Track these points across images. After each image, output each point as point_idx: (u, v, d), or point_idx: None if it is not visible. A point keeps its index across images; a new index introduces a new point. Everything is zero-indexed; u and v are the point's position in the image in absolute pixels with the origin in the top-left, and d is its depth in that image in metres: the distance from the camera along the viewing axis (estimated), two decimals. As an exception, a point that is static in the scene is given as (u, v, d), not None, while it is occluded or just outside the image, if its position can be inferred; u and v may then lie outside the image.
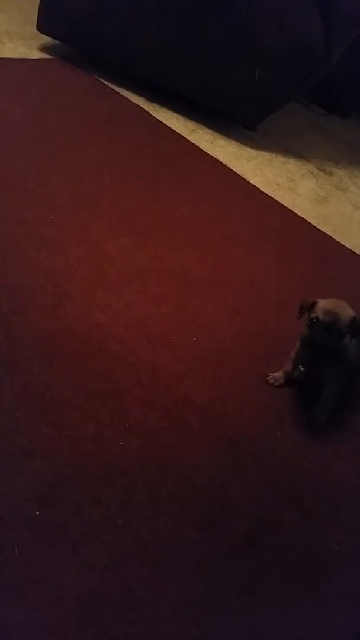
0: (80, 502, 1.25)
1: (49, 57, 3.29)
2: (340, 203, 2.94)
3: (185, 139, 2.97)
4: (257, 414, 1.62)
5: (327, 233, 2.62)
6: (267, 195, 2.75)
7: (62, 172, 2.33)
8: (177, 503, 1.32)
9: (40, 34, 3.28)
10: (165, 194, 2.46)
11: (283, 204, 2.72)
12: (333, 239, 2.59)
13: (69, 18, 3.16)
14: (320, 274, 2.34)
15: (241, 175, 2.84)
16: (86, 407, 1.45)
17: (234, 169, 2.87)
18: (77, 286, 1.81)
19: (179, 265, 2.06)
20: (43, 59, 3.25)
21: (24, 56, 3.17)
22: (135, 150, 2.71)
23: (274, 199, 2.73)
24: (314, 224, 2.65)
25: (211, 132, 3.15)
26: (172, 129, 3.01)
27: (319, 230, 2.62)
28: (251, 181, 2.82)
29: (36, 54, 3.25)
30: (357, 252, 2.56)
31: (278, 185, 2.88)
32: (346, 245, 2.58)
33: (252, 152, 3.12)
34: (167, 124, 3.04)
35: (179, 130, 3.02)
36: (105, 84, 3.21)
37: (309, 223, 2.65)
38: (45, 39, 3.33)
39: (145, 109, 3.10)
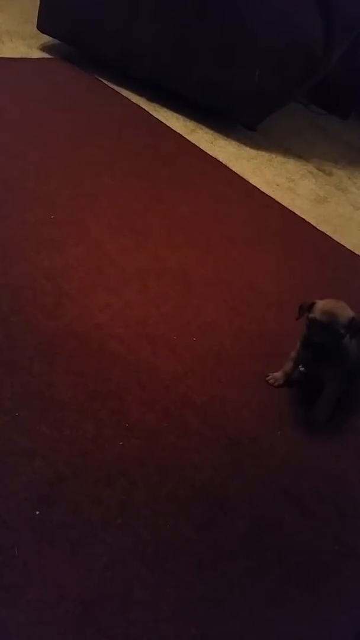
0: (80, 502, 1.25)
1: (49, 56, 3.29)
2: (339, 203, 2.94)
3: (185, 138, 2.97)
4: (256, 414, 1.62)
5: (327, 233, 2.62)
6: (266, 195, 2.75)
7: (62, 172, 2.33)
8: (176, 503, 1.32)
9: (41, 33, 3.28)
10: (165, 194, 2.46)
11: (283, 204, 2.72)
12: (333, 239, 2.59)
13: (69, 17, 3.17)
14: (320, 274, 2.34)
15: (241, 175, 2.84)
16: (86, 407, 1.45)
17: (233, 169, 2.87)
18: (77, 286, 1.81)
19: (179, 265, 2.06)
20: (43, 58, 3.25)
21: (24, 56, 3.17)
22: (135, 150, 2.71)
23: (273, 199, 2.73)
24: (314, 224, 2.65)
25: (211, 132, 3.15)
26: (172, 129, 3.01)
27: (319, 230, 2.62)
28: (251, 181, 2.82)
29: (36, 54, 3.25)
30: (356, 252, 2.56)
31: (278, 185, 2.88)
32: (346, 245, 2.58)
33: (252, 152, 3.12)
34: (167, 124, 3.04)
35: (179, 130, 3.02)
36: (105, 84, 3.21)
37: (309, 223, 2.65)
38: (46, 39, 3.34)
39: (146, 108, 3.10)
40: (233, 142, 3.14)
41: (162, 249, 2.12)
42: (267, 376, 1.72)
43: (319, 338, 1.52)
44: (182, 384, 1.62)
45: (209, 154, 2.92)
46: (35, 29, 3.27)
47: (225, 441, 1.51)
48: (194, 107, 3.21)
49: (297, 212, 2.70)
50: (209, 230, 2.33)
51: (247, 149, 3.13)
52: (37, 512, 1.21)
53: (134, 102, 3.13)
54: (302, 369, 1.74)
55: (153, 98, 3.21)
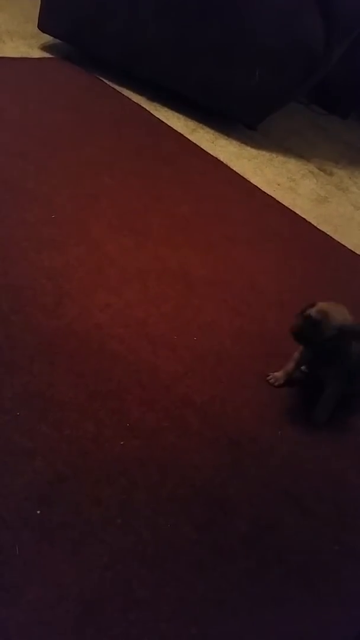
0: (80, 502, 1.25)
1: (50, 56, 3.29)
2: (340, 203, 2.94)
3: (186, 138, 2.97)
4: (257, 414, 1.62)
5: (328, 233, 2.62)
6: (267, 195, 2.75)
7: (62, 171, 2.33)
8: (176, 503, 1.32)
9: (41, 33, 3.28)
10: (165, 194, 2.46)
11: (283, 203, 2.72)
12: (333, 239, 2.59)
13: (70, 17, 3.17)
14: (321, 274, 2.34)
15: (242, 174, 2.84)
16: (86, 407, 1.45)
17: (234, 169, 2.87)
18: (77, 286, 1.81)
19: (179, 265, 2.06)
20: (44, 58, 3.25)
21: (24, 55, 3.17)
22: (135, 150, 2.70)
23: (274, 199, 2.73)
24: (315, 224, 2.65)
25: (212, 131, 3.15)
26: (173, 129, 3.01)
27: (320, 230, 2.62)
28: (252, 181, 2.82)
29: (37, 53, 3.25)
30: (357, 252, 2.56)
31: (279, 185, 2.88)
32: (346, 245, 2.58)
33: (253, 151, 3.12)
34: (168, 124, 3.03)
35: (179, 130, 3.02)
36: (106, 83, 3.21)
37: (310, 223, 2.65)
38: (46, 38, 3.33)
39: (146, 108, 3.10)
40: (234, 142, 3.14)
41: (163, 248, 2.12)
42: (268, 376, 1.73)
43: (309, 333, 1.52)
44: (183, 383, 1.62)
45: (209, 154, 2.92)
46: (36, 28, 3.27)
47: (225, 441, 1.51)
48: (195, 106, 3.21)
49: (298, 212, 2.69)
50: (209, 230, 2.33)
51: (248, 148, 3.13)
52: (38, 512, 1.21)
53: (135, 101, 3.13)
54: (303, 369, 1.74)
55: (154, 97, 3.21)
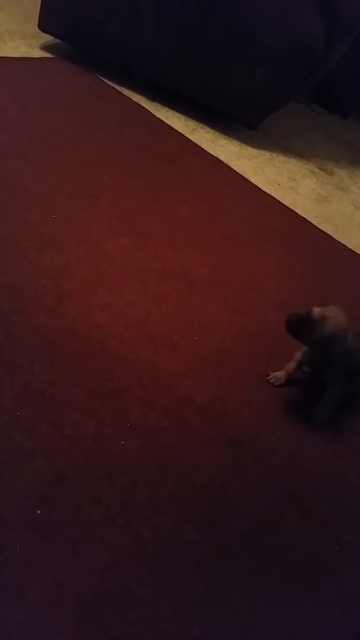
0: (81, 502, 1.25)
1: (50, 56, 3.29)
2: (341, 203, 2.93)
3: (187, 138, 2.97)
4: (257, 414, 1.62)
5: (328, 233, 2.62)
6: (268, 194, 2.75)
7: (62, 171, 2.33)
8: (177, 502, 1.32)
9: (42, 32, 3.28)
10: (165, 194, 2.46)
11: (284, 203, 2.72)
12: (334, 239, 2.59)
13: (70, 17, 3.16)
14: (321, 273, 2.34)
15: (242, 174, 2.84)
16: (87, 407, 1.46)
17: (235, 168, 2.87)
18: (77, 285, 1.81)
19: (180, 265, 2.06)
20: (44, 57, 3.25)
21: (25, 55, 3.17)
22: (136, 150, 2.70)
23: (274, 199, 2.73)
24: (315, 224, 2.65)
25: (212, 131, 3.15)
26: (173, 128, 3.01)
27: (320, 230, 2.62)
28: (252, 180, 2.81)
29: (37, 53, 3.25)
30: (357, 252, 2.56)
31: (279, 184, 2.88)
32: (347, 245, 2.58)
33: (253, 151, 3.11)
34: (169, 123, 3.03)
35: (180, 130, 3.02)
36: (106, 83, 3.21)
37: (310, 223, 2.65)
38: (47, 38, 3.33)
39: (147, 108, 3.10)
40: (234, 142, 3.14)
41: (163, 248, 2.12)
42: (268, 375, 1.73)
43: (300, 328, 1.55)
44: (183, 383, 1.62)
45: (210, 153, 2.91)
46: (36, 28, 3.26)
47: (226, 441, 1.51)
48: (195, 106, 3.20)
49: (298, 212, 2.69)
50: (209, 230, 2.33)
51: (249, 148, 3.13)
52: (38, 512, 1.21)
53: (135, 101, 3.13)
54: (305, 369, 1.74)
55: (154, 97, 3.21)
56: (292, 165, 3.12)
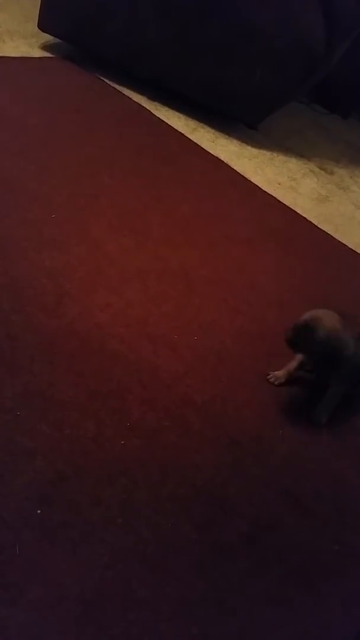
0: (81, 502, 1.25)
1: (50, 55, 3.29)
2: (341, 202, 2.93)
3: (187, 137, 2.97)
4: (257, 414, 1.62)
5: (329, 232, 2.62)
6: (268, 194, 2.75)
7: (62, 171, 2.33)
8: (177, 502, 1.32)
9: (42, 32, 3.27)
10: (165, 193, 2.46)
11: (284, 203, 2.72)
12: (334, 239, 2.59)
13: (70, 17, 3.16)
14: (321, 273, 2.34)
15: (242, 174, 2.84)
16: (87, 406, 1.45)
17: (235, 168, 2.86)
18: (77, 285, 1.81)
19: (180, 265, 2.06)
20: (44, 57, 3.25)
21: (25, 55, 3.17)
22: (136, 149, 2.70)
23: (275, 198, 2.73)
24: (315, 223, 2.65)
25: (212, 131, 3.15)
26: (174, 128, 3.01)
27: (320, 229, 2.62)
28: (252, 180, 2.81)
29: (37, 53, 3.25)
30: (358, 251, 2.56)
31: (279, 184, 2.88)
32: (347, 244, 2.58)
33: (254, 151, 3.11)
34: (169, 123, 3.03)
35: (180, 129, 3.02)
36: (106, 83, 3.21)
37: (310, 222, 2.65)
38: (47, 38, 3.33)
39: (147, 107, 3.10)
40: (234, 141, 3.14)
41: (163, 248, 2.12)
42: (268, 375, 1.73)
43: (301, 340, 1.56)
44: (183, 383, 1.62)
45: (210, 153, 2.91)
46: (36, 27, 3.26)
47: (226, 440, 1.51)
48: (196, 106, 3.20)
49: (299, 211, 2.69)
50: (209, 230, 2.33)
51: (249, 148, 3.13)
52: (38, 512, 1.21)
53: (135, 101, 3.13)
54: (307, 368, 1.74)
55: (154, 97, 3.21)
56: (292, 165, 3.12)
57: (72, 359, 1.56)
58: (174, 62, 3.08)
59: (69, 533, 1.19)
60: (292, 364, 1.72)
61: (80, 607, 1.09)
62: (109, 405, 1.48)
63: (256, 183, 2.80)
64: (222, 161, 2.89)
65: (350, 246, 2.57)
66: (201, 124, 3.16)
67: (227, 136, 3.15)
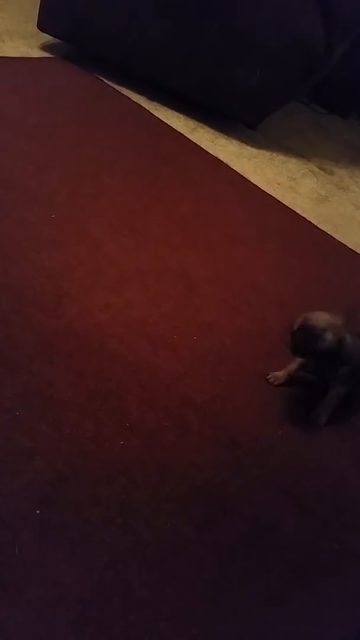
0: (80, 502, 1.25)
1: (50, 55, 3.29)
2: (341, 202, 2.93)
3: (186, 137, 2.97)
4: (257, 414, 1.61)
5: (328, 232, 2.62)
6: (267, 194, 2.75)
7: (62, 171, 2.33)
8: (177, 502, 1.32)
9: (41, 32, 3.27)
10: (165, 193, 2.46)
11: (284, 203, 2.72)
12: (334, 239, 2.59)
13: (70, 17, 3.16)
14: (321, 273, 2.34)
15: (242, 174, 2.84)
16: (86, 407, 1.45)
17: (234, 168, 2.86)
18: (77, 285, 1.81)
19: (179, 265, 2.06)
20: (44, 57, 3.24)
21: (24, 55, 3.17)
22: (135, 150, 2.70)
23: (274, 198, 2.73)
24: (315, 223, 2.65)
25: (212, 131, 3.15)
26: (173, 128, 3.01)
27: (320, 229, 2.62)
28: (252, 180, 2.81)
29: (37, 53, 3.25)
30: (357, 251, 2.56)
31: (279, 184, 2.88)
32: (347, 244, 2.58)
33: (253, 151, 3.11)
34: (168, 123, 3.03)
35: (179, 129, 3.02)
36: (106, 83, 3.21)
37: (310, 222, 2.65)
38: (46, 38, 3.33)
39: (146, 107, 3.10)
40: (234, 141, 3.14)
41: (162, 248, 2.12)
42: (268, 375, 1.72)
43: (306, 344, 1.56)
44: (183, 383, 1.62)
45: (209, 153, 2.91)
46: (36, 28, 3.26)
47: (225, 441, 1.51)
48: (195, 106, 3.20)
49: (298, 211, 2.69)
50: (209, 230, 2.33)
51: (248, 148, 3.13)
52: (37, 512, 1.21)
53: (135, 101, 3.13)
54: (308, 371, 1.74)
55: (154, 97, 3.21)
56: (291, 165, 3.12)
57: (71, 359, 1.56)
58: (173, 62, 3.08)
59: (68, 533, 1.19)
60: (293, 366, 1.72)
61: (79, 607, 1.09)
62: (108, 405, 1.48)
63: (256, 183, 2.80)
64: (222, 161, 2.89)
65: (350, 246, 2.57)
66: (200, 124, 3.16)
67: (226, 136, 3.15)
